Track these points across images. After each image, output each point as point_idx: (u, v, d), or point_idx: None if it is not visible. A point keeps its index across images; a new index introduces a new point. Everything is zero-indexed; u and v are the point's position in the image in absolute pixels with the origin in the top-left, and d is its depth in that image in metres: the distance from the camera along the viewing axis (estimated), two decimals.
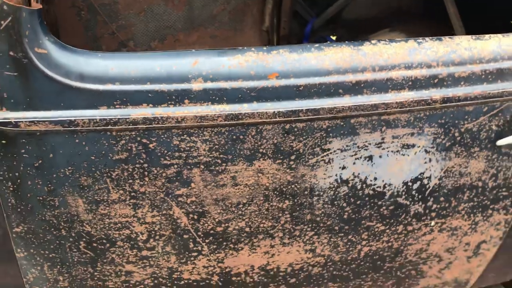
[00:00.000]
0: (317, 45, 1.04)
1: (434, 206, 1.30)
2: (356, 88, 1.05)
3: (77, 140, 1.01)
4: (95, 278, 1.26)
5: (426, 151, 1.19)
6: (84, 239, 1.17)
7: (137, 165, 1.06)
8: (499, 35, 1.15)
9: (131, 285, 1.29)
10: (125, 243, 1.19)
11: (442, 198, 1.29)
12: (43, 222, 1.13)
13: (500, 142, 1.18)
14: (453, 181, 1.26)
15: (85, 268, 1.23)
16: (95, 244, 1.18)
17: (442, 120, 1.14)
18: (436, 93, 1.09)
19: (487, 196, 1.33)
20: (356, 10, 2.68)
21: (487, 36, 1.14)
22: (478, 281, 1.69)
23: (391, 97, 1.07)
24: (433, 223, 1.34)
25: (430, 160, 1.20)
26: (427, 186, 1.25)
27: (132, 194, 1.10)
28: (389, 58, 1.05)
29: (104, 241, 1.18)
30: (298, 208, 1.21)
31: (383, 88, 1.07)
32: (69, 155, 1.03)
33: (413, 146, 1.17)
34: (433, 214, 1.32)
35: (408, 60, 1.07)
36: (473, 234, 1.43)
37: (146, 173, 1.08)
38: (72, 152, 1.02)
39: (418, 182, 1.24)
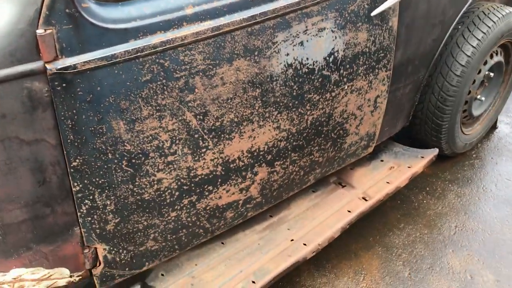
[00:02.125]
0: None
1: (344, 72, 1.89)
2: None
3: (116, 71, 1.38)
4: (135, 194, 1.61)
5: (332, 31, 1.76)
6: (125, 158, 1.52)
7: (159, 82, 1.46)
8: None
9: (161, 192, 1.66)
10: (155, 153, 1.57)
11: (348, 66, 1.89)
12: (95, 150, 1.46)
13: (373, 13, 1.80)
14: (351, 50, 1.86)
15: (126, 186, 1.58)
16: (134, 161, 1.54)
17: (337, 6, 1.72)
18: None
19: (373, 58, 1.96)
20: None
21: None
22: (380, 135, 2.35)
23: None
24: (346, 86, 1.94)
25: (335, 37, 1.78)
26: (338, 57, 1.83)
27: (157, 107, 1.49)
28: None
29: (140, 155, 1.55)
30: (265, 94, 1.70)
31: None
32: (111, 85, 1.39)
33: (324, 29, 1.73)
34: (345, 79, 1.91)
35: None
36: (371, 91, 2.06)
37: (165, 87, 1.48)
38: (113, 82, 1.39)
39: (332, 56, 1.81)
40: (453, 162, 2.95)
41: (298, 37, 1.68)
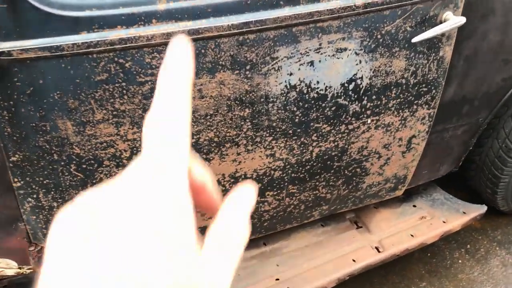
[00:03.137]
0: None
1: (369, 104, 1.55)
2: None
3: (63, 65, 1.17)
4: None
5: (356, 54, 1.42)
6: (74, 162, 1.33)
7: (117, 85, 1.23)
8: None
9: None
10: (111, 162, 1.36)
11: (374, 96, 1.54)
12: (37, 148, 1.28)
13: (415, 39, 1.43)
14: (381, 79, 1.51)
15: (76, 192, 1.39)
16: (84, 166, 1.34)
17: (366, 24, 1.38)
18: (359, 0, 1.33)
19: (411, 92, 1.59)
20: None
21: None
22: (415, 178, 1.97)
23: (323, 5, 1.30)
24: (369, 120, 1.60)
25: (360, 61, 1.44)
26: (361, 86, 1.49)
27: (114, 113, 1.27)
28: None
29: (92, 161, 1.34)
30: (257, 116, 1.42)
31: None
32: (57, 80, 1.18)
33: (345, 49, 1.40)
34: (368, 112, 1.57)
35: None
36: (404, 129, 1.69)
37: (124, 91, 1.25)
38: (59, 76, 1.18)
39: (353, 83, 1.48)
40: (510, 220, 2.48)
41: (308, 55, 1.37)
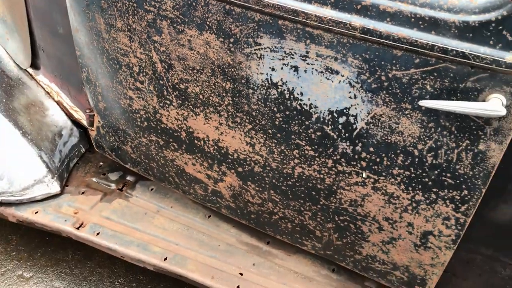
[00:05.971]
0: None
1: (364, 154, 1.27)
2: None
3: None
4: (114, 93, 1.68)
5: (350, 84, 1.18)
6: (105, 55, 1.59)
7: (131, 3, 1.40)
8: None
9: (131, 110, 1.67)
10: (126, 70, 1.56)
11: (371, 148, 1.25)
12: (84, 28, 1.58)
13: (422, 102, 1.08)
14: (382, 132, 1.21)
15: (108, 81, 1.66)
16: (111, 62, 1.59)
17: (366, 54, 1.12)
18: (356, 20, 1.09)
19: (427, 173, 1.22)
20: None
21: None
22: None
23: (312, 8, 1.12)
24: (364, 174, 1.31)
25: (355, 96, 1.19)
26: (354, 125, 1.24)
27: (129, 27, 1.45)
28: None
29: (115, 62, 1.57)
30: (237, 94, 1.37)
31: None
32: None
33: (337, 73, 1.18)
34: (363, 163, 1.29)
35: None
36: (415, 215, 1.32)
37: (136, 12, 1.40)
38: None
39: (344, 117, 1.24)
40: None
41: (292, 58, 1.22)
